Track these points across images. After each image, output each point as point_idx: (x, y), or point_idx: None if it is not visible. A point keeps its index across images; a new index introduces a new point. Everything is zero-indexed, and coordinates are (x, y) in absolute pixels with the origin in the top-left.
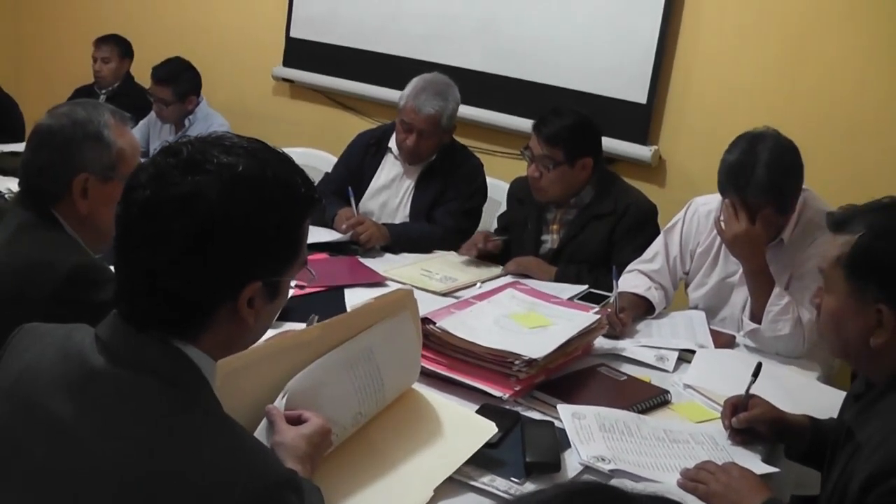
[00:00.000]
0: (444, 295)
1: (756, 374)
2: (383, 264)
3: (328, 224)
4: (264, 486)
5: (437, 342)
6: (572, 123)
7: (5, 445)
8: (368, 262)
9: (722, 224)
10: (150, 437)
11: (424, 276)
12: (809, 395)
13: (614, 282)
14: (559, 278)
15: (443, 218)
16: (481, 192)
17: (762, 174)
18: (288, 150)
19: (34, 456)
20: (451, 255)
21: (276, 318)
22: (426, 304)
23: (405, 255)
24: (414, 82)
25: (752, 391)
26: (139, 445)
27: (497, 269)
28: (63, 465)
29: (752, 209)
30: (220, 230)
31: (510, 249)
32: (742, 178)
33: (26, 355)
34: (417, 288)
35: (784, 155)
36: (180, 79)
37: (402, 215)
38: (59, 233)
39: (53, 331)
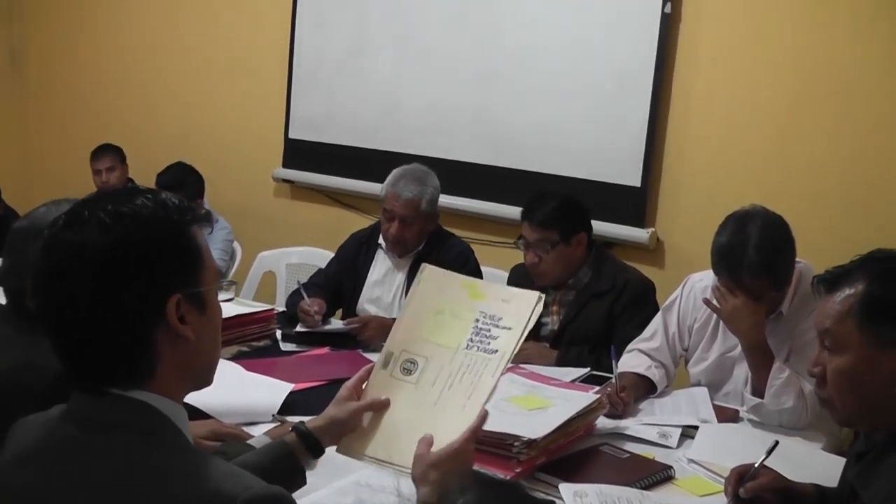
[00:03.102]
0: None
1: (771, 451)
2: None
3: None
4: (258, 497)
5: None
6: (559, 203)
7: None
8: (374, 357)
9: (715, 302)
10: (124, 486)
11: None
12: (815, 465)
13: (613, 362)
14: (560, 363)
15: None
16: (473, 277)
17: (753, 255)
18: (290, 250)
19: None
20: None
21: (219, 332)
22: None
23: None
24: (393, 172)
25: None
26: (116, 495)
27: None
28: None
29: (749, 290)
30: (115, 262)
31: None
32: (734, 260)
33: (12, 444)
34: None
35: (774, 232)
36: (185, 183)
37: (397, 309)
38: (41, 336)
39: (38, 416)
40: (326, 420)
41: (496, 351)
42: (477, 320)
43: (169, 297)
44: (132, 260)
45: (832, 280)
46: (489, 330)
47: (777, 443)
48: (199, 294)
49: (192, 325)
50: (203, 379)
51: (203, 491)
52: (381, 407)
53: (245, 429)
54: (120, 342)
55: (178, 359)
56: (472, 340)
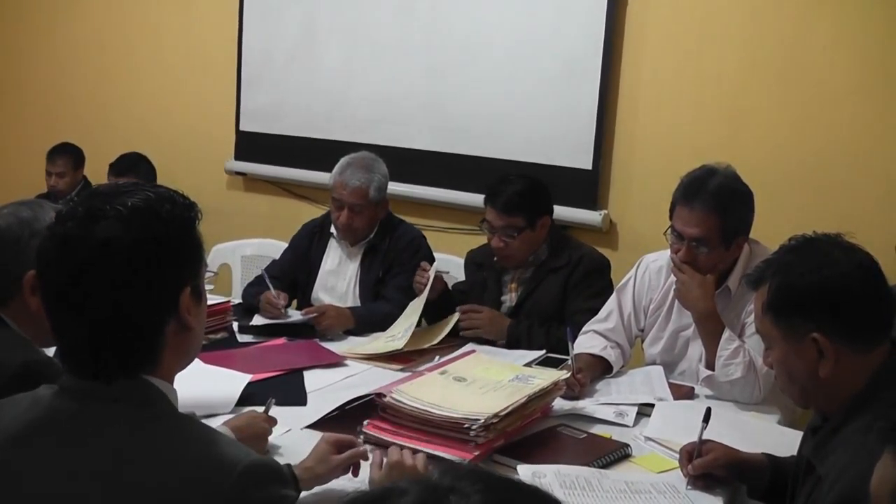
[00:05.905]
0: (402, 370)
1: (706, 419)
2: (347, 345)
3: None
4: (259, 463)
5: (394, 413)
6: (523, 188)
7: None
8: (331, 345)
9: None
10: (132, 452)
11: (389, 341)
12: (769, 438)
13: (570, 344)
14: (510, 335)
15: (392, 293)
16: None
17: (712, 188)
18: (244, 242)
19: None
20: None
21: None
22: (385, 380)
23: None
24: (341, 161)
25: (710, 438)
26: (120, 461)
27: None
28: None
29: (697, 225)
30: (140, 259)
31: None
32: (693, 188)
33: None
34: (380, 361)
35: (738, 185)
36: (139, 168)
37: (352, 298)
38: (4, 331)
39: (20, 399)
40: (307, 472)
41: (534, 383)
42: (516, 376)
43: (183, 289)
44: (154, 255)
45: (754, 278)
46: (525, 380)
47: (709, 409)
48: (199, 285)
49: (193, 315)
50: (190, 361)
51: (210, 455)
52: (360, 456)
53: (203, 422)
54: (137, 334)
55: (179, 346)
56: (511, 381)
